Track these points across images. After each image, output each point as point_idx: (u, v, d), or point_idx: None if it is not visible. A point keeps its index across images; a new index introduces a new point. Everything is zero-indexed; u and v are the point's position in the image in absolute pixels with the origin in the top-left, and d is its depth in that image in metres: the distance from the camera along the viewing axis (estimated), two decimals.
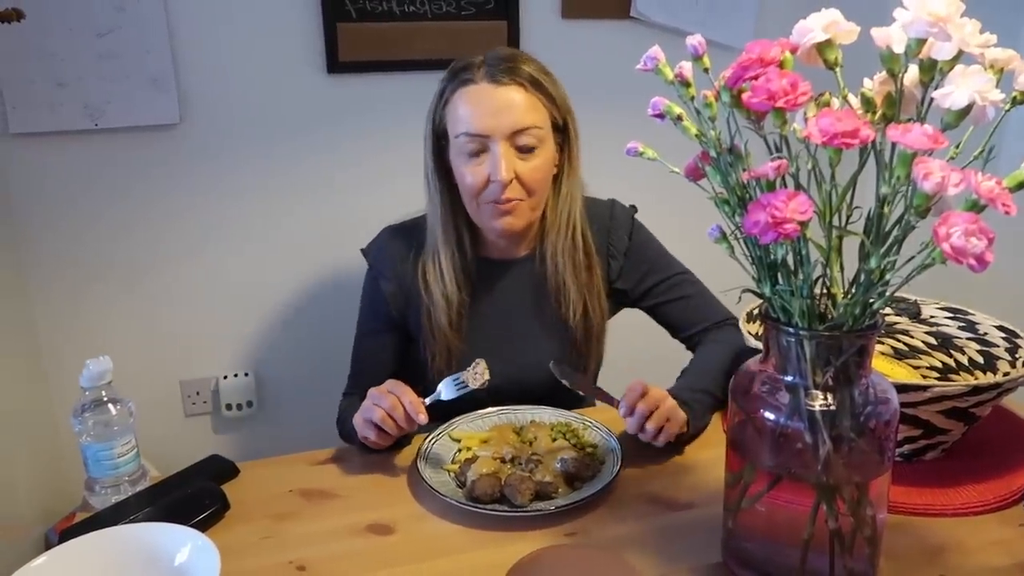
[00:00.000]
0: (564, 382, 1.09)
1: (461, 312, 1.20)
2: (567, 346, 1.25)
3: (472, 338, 1.22)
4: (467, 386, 1.07)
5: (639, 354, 1.54)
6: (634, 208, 1.32)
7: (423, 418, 1.02)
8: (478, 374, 1.07)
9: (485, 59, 1.13)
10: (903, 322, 1.20)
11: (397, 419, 1.02)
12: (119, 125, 1.66)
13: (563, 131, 1.18)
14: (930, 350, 1.17)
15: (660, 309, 1.29)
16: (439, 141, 1.18)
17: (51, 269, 1.71)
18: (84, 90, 1.61)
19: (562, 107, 1.17)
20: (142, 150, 1.70)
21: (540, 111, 1.13)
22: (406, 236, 1.25)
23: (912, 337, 1.19)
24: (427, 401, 1.05)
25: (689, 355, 1.26)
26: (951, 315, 1.15)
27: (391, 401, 1.03)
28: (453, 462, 1.05)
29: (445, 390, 1.07)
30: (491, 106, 1.10)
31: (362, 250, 1.29)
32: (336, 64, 1.76)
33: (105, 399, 0.97)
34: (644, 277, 1.29)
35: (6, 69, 1.56)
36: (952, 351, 1.14)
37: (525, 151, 1.13)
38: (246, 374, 1.89)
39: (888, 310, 1.20)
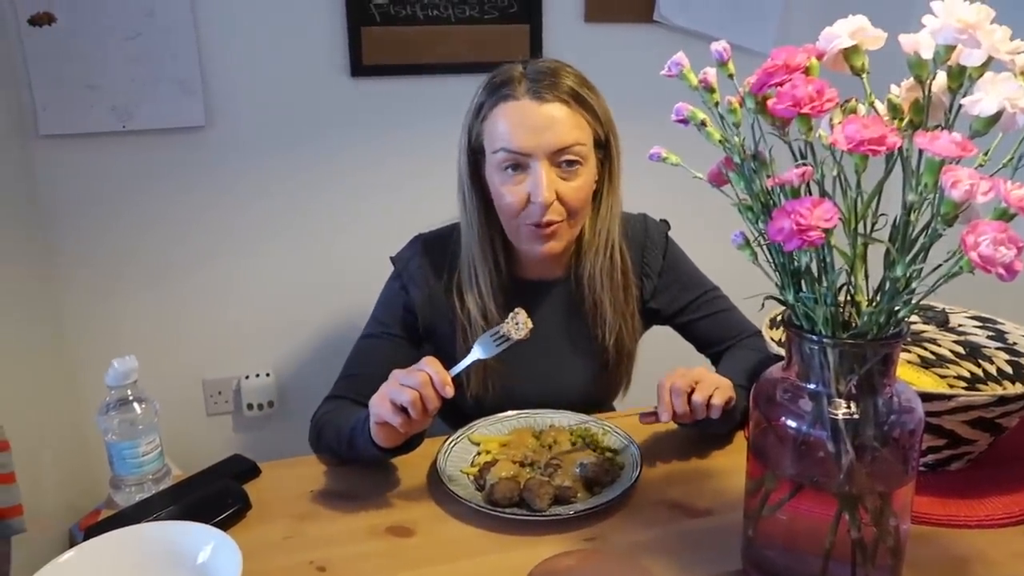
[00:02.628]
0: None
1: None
2: (600, 369, 1.24)
3: (507, 359, 1.17)
4: (508, 339, 0.99)
5: (665, 367, 1.53)
6: (667, 224, 1.31)
7: (450, 391, 0.92)
8: (520, 324, 1.00)
9: (526, 72, 1.09)
10: (930, 330, 1.18)
11: (427, 399, 0.91)
12: (147, 127, 1.69)
13: (604, 147, 1.15)
14: (958, 359, 1.15)
15: (691, 326, 1.28)
16: (475, 156, 1.14)
17: (78, 269, 1.73)
18: (113, 92, 1.64)
19: (605, 122, 1.13)
20: (169, 152, 1.73)
21: (583, 128, 1.09)
22: (439, 248, 1.22)
23: (939, 346, 1.17)
24: (456, 370, 0.97)
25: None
26: (980, 324, 1.14)
27: (421, 378, 0.92)
28: (472, 465, 1.05)
29: (482, 349, 0.99)
30: (533, 123, 1.06)
31: (391, 258, 1.26)
32: (360, 68, 1.77)
33: (130, 398, 0.98)
34: (677, 296, 1.27)
35: (37, 71, 1.59)
36: (980, 360, 1.12)
37: (567, 170, 1.09)
38: (268, 374, 1.90)
39: (915, 318, 1.18)
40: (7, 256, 1.52)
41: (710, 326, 1.27)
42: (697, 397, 1.00)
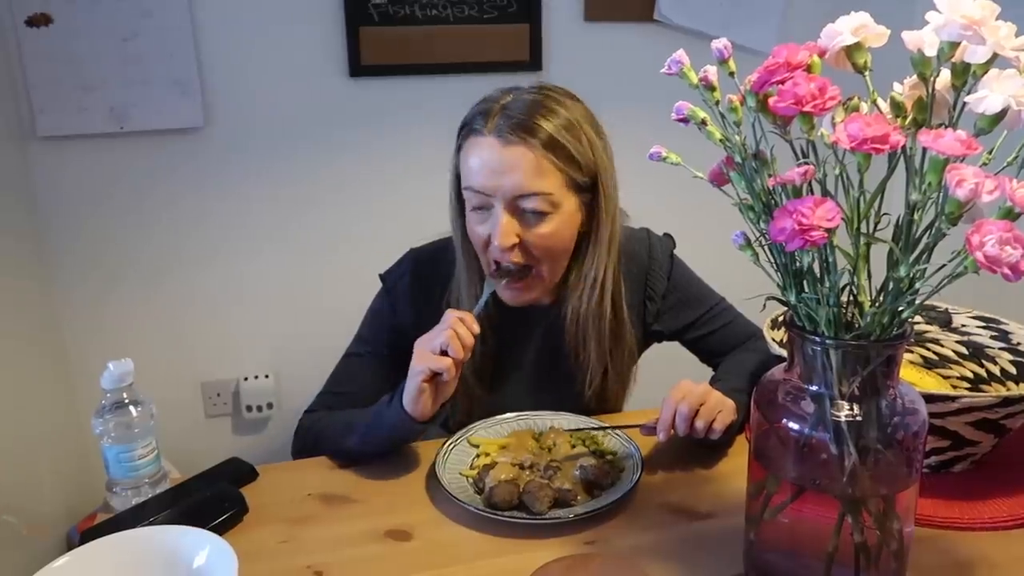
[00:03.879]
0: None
1: (489, 360, 1.17)
2: (578, 410, 1.17)
3: (493, 385, 1.19)
4: (510, 271, 1.08)
5: (664, 369, 1.52)
6: (671, 241, 1.28)
7: (476, 327, 0.99)
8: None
9: (505, 106, 1.04)
10: (933, 331, 1.17)
11: (462, 336, 0.97)
12: (144, 128, 1.68)
13: (592, 190, 1.09)
14: (961, 360, 1.14)
15: (697, 342, 1.27)
16: (459, 181, 1.11)
17: (76, 270, 1.73)
18: (110, 94, 1.63)
19: (587, 166, 1.06)
20: (166, 153, 1.72)
21: (551, 176, 1.03)
22: (431, 265, 1.20)
23: (943, 346, 1.16)
24: (477, 308, 1.05)
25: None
26: (983, 324, 1.13)
27: (451, 320, 0.98)
28: (471, 468, 1.04)
29: (489, 286, 1.08)
30: (494, 165, 1.02)
31: (381, 275, 1.23)
32: (358, 68, 1.77)
33: (126, 401, 0.97)
34: (681, 315, 1.25)
35: (34, 73, 1.59)
36: (984, 361, 1.11)
37: (530, 217, 1.04)
38: (267, 376, 1.90)
39: (918, 318, 1.17)
40: (4, 258, 1.52)
41: (715, 341, 1.25)
42: (699, 423, 0.99)
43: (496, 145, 1.03)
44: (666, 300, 1.24)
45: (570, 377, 1.20)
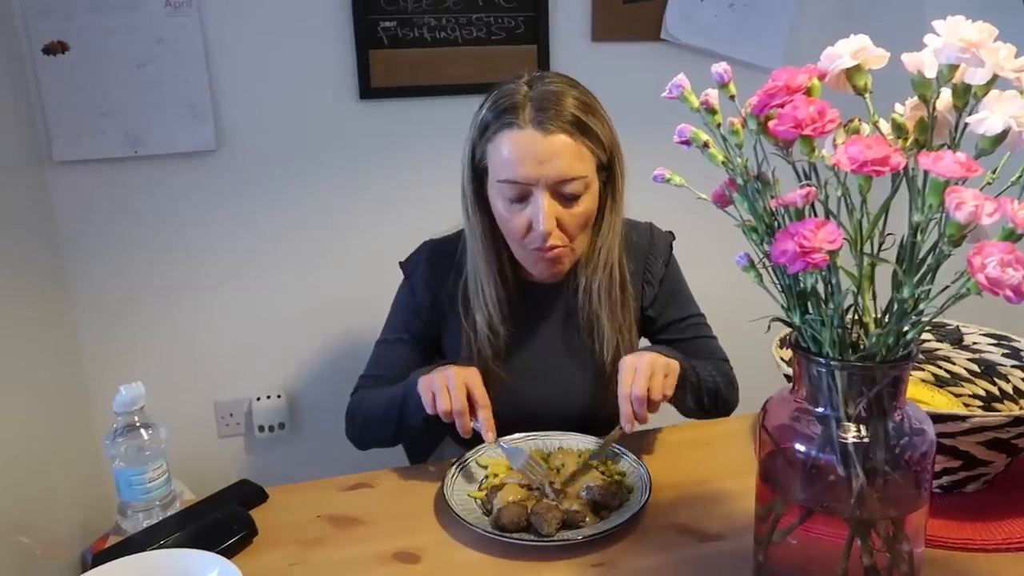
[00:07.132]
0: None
1: (508, 343, 1.19)
2: (597, 378, 1.23)
3: (510, 364, 1.20)
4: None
5: None
6: (672, 236, 1.31)
7: (491, 437, 1.04)
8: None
9: (531, 96, 1.08)
10: (944, 348, 1.17)
11: (460, 426, 1.03)
12: (158, 152, 1.71)
13: (608, 168, 1.15)
14: (973, 377, 1.13)
15: (672, 346, 1.27)
16: (478, 173, 1.15)
17: (93, 293, 1.75)
18: (125, 119, 1.66)
19: (608, 146, 1.13)
20: (180, 176, 1.75)
21: (586, 159, 1.09)
22: (446, 254, 1.24)
23: (954, 364, 1.16)
24: (502, 443, 1.08)
25: None
26: (995, 341, 1.12)
27: (461, 406, 1.03)
28: (480, 489, 1.04)
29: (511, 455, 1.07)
30: (537, 155, 1.06)
31: (400, 263, 1.29)
32: (368, 90, 1.79)
33: (137, 424, 0.98)
34: (667, 311, 1.29)
35: (51, 99, 1.61)
36: (996, 379, 1.10)
37: (569, 199, 1.09)
38: (279, 396, 1.91)
39: (929, 336, 1.17)
40: (22, 280, 1.54)
41: (688, 350, 1.26)
42: (655, 397, 1.03)
43: (537, 135, 1.06)
44: (663, 287, 1.28)
45: (586, 352, 1.23)
